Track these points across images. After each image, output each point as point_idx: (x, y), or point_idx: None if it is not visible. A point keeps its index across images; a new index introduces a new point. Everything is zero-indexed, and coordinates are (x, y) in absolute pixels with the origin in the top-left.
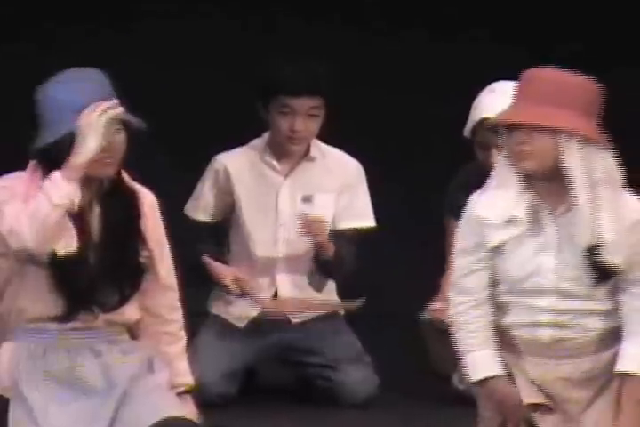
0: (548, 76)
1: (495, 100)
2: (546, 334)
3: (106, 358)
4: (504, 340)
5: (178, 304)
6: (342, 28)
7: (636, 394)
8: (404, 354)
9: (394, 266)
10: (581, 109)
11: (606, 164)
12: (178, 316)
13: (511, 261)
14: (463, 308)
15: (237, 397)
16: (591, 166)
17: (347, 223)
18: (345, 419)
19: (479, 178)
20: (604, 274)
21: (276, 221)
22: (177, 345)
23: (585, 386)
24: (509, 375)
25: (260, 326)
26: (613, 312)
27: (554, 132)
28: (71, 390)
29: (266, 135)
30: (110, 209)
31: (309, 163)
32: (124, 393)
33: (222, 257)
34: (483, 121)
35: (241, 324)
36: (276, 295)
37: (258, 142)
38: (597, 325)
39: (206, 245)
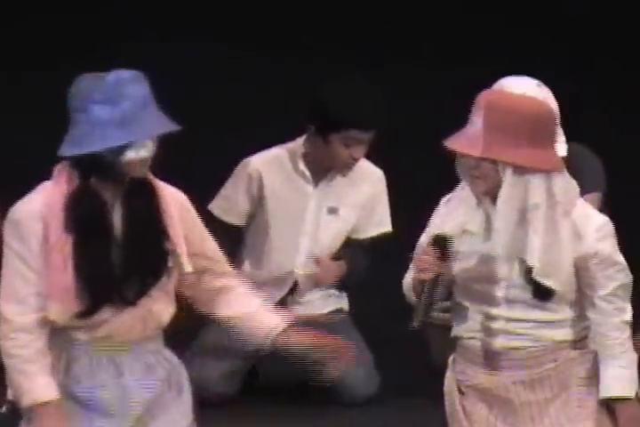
0: (497, 102)
1: None
2: (497, 342)
3: (127, 380)
4: (460, 349)
5: (238, 282)
6: None
7: (628, 413)
8: (405, 352)
9: (399, 264)
10: (522, 137)
11: (544, 187)
12: (246, 288)
13: (464, 266)
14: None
15: (238, 396)
16: (524, 192)
17: (366, 233)
18: (346, 418)
19: None
20: (541, 293)
21: (301, 231)
22: (257, 300)
23: (539, 387)
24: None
25: None
26: (572, 323)
27: (494, 160)
28: (87, 411)
29: (300, 141)
30: (132, 205)
31: (338, 174)
32: (139, 419)
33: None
34: None
35: None
36: (294, 289)
37: (291, 149)
38: (554, 336)
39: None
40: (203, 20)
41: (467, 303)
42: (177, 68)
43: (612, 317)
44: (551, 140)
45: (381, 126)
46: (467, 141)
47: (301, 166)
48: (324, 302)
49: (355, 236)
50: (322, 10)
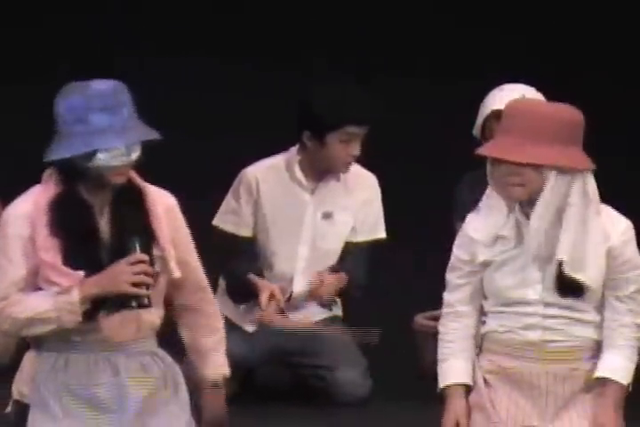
0: (528, 110)
1: (505, 95)
2: (534, 334)
3: (123, 378)
4: (491, 345)
5: (211, 297)
6: None
7: (613, 398)
8: (397, 356)
9: (396, 269)
10: (558, 140)
11: (581, 187)
12: (214, 309)
13: (499, 273)
14: (445, 320)
15: (234, 397)
16: (566, 192)
17: (361, 236)
18: (340, 418)
19: (485, 184)
20: (570, 288)
21: (299, 238)
22: (214, 337)
23: (569, 382)
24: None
25: (262, 329)
26: (601, 325)
27: (538, 165)
28: (86, 408)
29: (293, 150)
30: (119, 209)
31: (333, 179)
32: (139, 416)
33: (261, 272)
34: (493, 113)
35: (250, 328)
36: (289, 299)
37: (286, 158)
38: (586, 333)
39: (248, 264)
40: (202, 34)
41: (500, 308)
42: (177, 79)
43: (623, 315)
44: (580, 141)
45: (376, 119)
46: (506, 149)
47: (298, 174)
48: (320, 309)
49: (352, 239)
50: (320, 24)
